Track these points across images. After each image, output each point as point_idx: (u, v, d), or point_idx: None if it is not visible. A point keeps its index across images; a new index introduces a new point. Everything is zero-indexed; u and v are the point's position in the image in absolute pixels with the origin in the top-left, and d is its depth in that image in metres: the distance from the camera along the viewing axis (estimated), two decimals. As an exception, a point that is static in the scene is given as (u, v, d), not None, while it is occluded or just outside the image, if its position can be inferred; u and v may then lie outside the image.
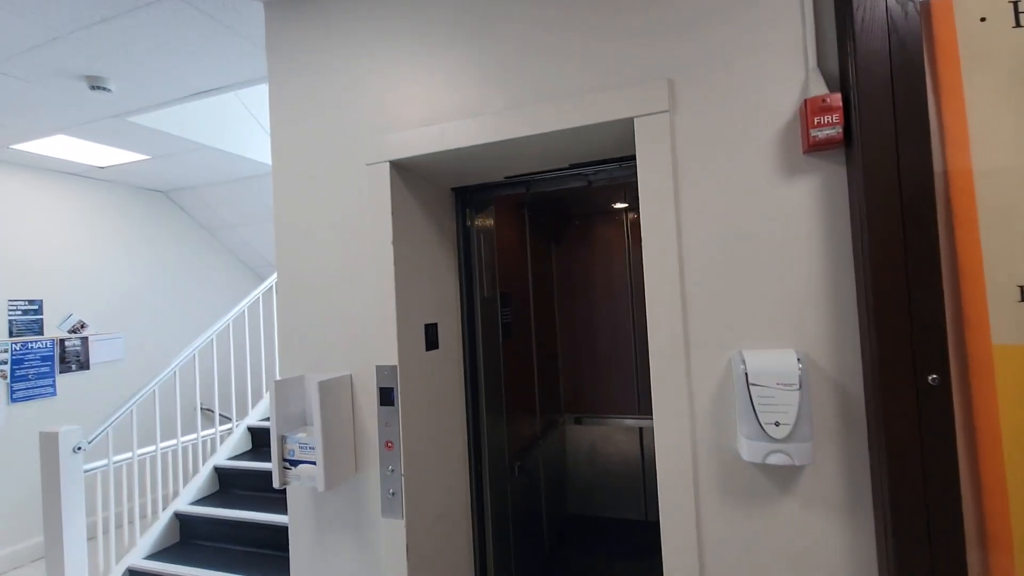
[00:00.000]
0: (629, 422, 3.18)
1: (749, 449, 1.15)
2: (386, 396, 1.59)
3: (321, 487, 1.50)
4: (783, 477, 1.20)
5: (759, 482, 1.22)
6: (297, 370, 1.74)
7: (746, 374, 1.15)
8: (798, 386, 1.12)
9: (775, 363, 1.15)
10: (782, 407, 1.13)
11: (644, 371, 3.19)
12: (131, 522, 2.63)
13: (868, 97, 1.07)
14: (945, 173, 1.06)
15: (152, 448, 2.75)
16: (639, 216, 1.36)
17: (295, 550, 1.74)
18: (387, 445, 1.59)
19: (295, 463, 1.57)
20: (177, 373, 2.90)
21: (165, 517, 2.76)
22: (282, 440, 1.59)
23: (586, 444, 3.30)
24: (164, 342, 4.31)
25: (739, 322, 1.24)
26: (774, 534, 1.20)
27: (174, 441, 2.88)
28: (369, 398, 1.62)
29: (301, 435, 1.57)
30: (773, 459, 1.14)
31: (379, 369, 1.60)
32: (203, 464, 3.07)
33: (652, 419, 3.19)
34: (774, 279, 1.22)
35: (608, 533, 3.15)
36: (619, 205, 3.22)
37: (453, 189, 2.00)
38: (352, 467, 1.62)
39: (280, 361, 1.78)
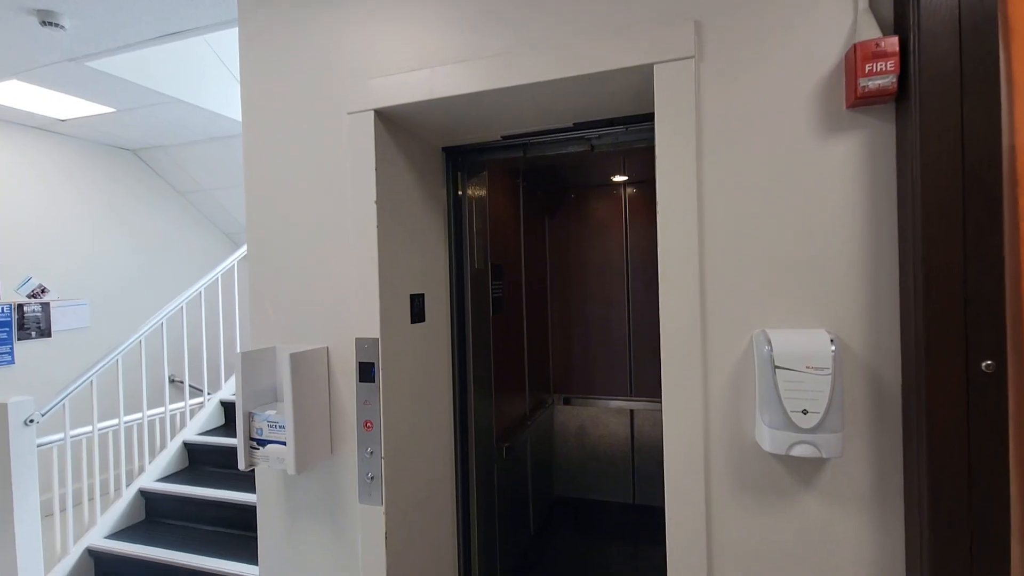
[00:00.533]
0: (620, 404, 3.08)
1: (771, 439, 1.04)
2: (366, 372, 1.44)
3: (291, 470, 1.36)
4: (805, 470, 1.09)
5: (778, 475, 1.10)
6: (269, 341, 1.58)
7: (772, 356, 1.03)
8: (831, 371, 1.00)
9: (805, 344, 1.03)
10: (811, 394, 1.01)
11: (638, 352, 3.09)
12: (92, 499, 2.47)
13: (931, 41, 0.93)
14: (1012, 132, 0.93)
15: (115, 422, 2.58)
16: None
17: (263, 537, 1.60)
18: (366, 425, 1.45)
19: (263, 443, 1.42)
20: (143, 343, 2.72)
21: (129, 494, 2.60)
22: (249, 417, 1.44)
23: (575, 425, 3.20)
24: (133, 310, 4.09)
25: (764, 298, 1.11)
26: (792, 531, 1.10)
27: (139, 415, 2.70)
28: (347, 374, 1.48)
29: (270, 412, 1.42)
30: (798, 451, 1.02)
31: (359, 342, 1.45)
32: (171, 439, 2.90)
33: (644, 401, 3.07)
34: (805, 250, 1.08)
35: (595, 516, 3.08)
36: (618, 178, 3.06)
37: (444, 149, 1.82)
38: (327, 448, 1.48)
39: (252, 331, 1.61)
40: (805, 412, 1.01)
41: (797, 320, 1.09)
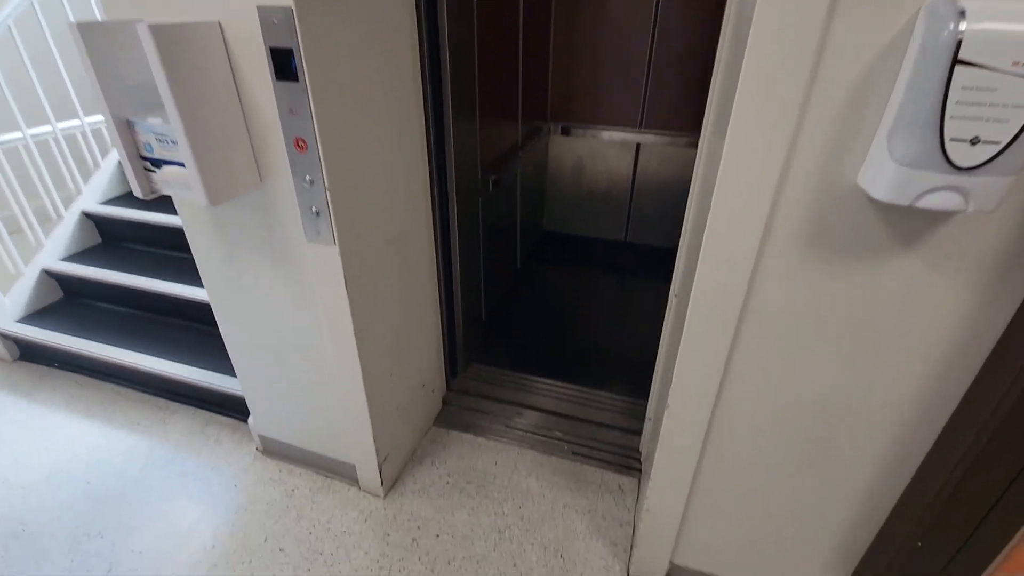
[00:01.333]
0: (627, 136, 2.66)
1: (896, 181, 0.68)
2: (283, 64, 0.97)
3: (202, 200, 1.02)
4: (919, 226, 0.76)
5: (872, 231, 0.79)
6: (132, 11, 1.04)
7: (958, 39, 0.59)
8: (1057, 70, 0.58)
9: (1030, 19, 0.57)
10: (1002, 111, 0.60)
11: (657, 76, 2.50)
12: (31, 227, 2.21)
13: None
14: None
15: (18, 135, 2.12)
16: None
17: (207, 279, 1.37)
18: (297, 145, 1.05)
19: (157, 163, 1.04)
20: (13, 28, 2.04)
21: (71, 217, 2.33)
22: (128, 127, 1.02)
23: (572, 159, 2.83)
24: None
25: (970, -71, 0.60)
26: (864, 301, 0.84)
27: (47, 127, 2.22)
28: (259, 68, 1.00)
29: (155, 121, 1.00)
30: (932, 201, 0.67)
31: (264, 13, 0.93)
32: (103, 159, 2.49)
33: (655, 134, 2.61)
34: None
35: (584, 250, 2.99)
36: None
37: None
38: (253, 175, 1.11)
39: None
40: (975, 142, 0.62)
41: (1016, -24, 0.61)
